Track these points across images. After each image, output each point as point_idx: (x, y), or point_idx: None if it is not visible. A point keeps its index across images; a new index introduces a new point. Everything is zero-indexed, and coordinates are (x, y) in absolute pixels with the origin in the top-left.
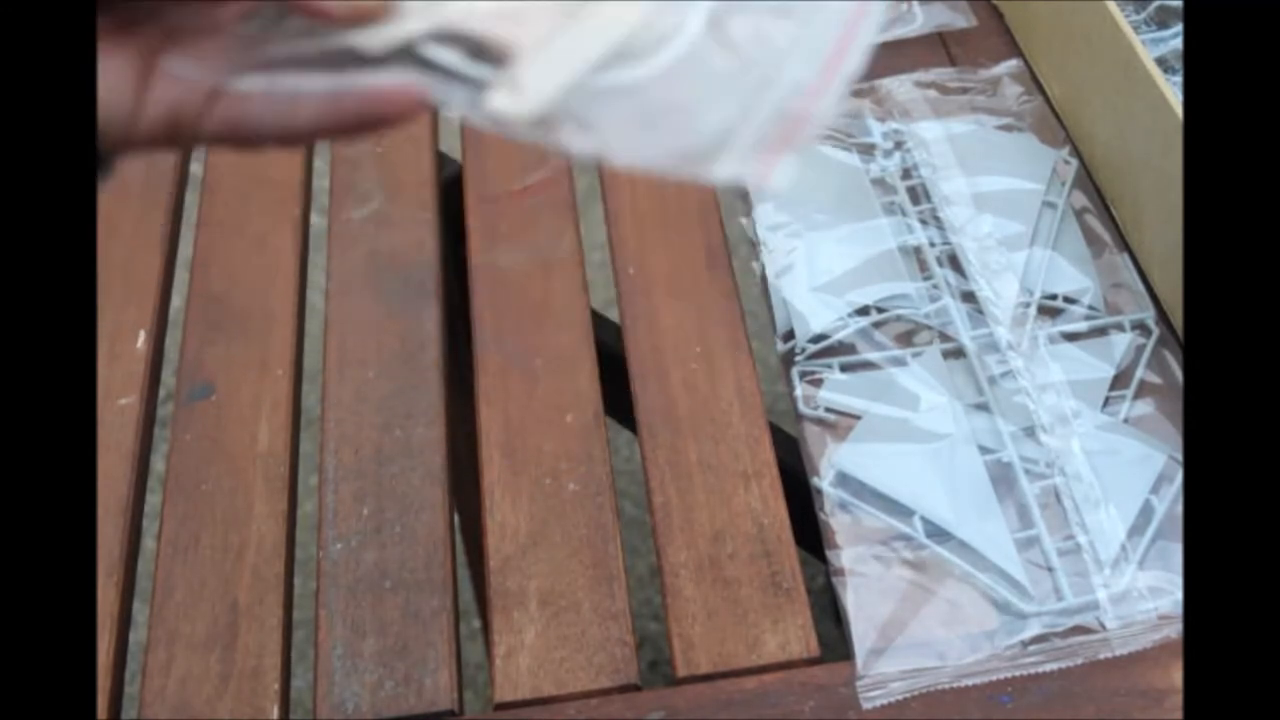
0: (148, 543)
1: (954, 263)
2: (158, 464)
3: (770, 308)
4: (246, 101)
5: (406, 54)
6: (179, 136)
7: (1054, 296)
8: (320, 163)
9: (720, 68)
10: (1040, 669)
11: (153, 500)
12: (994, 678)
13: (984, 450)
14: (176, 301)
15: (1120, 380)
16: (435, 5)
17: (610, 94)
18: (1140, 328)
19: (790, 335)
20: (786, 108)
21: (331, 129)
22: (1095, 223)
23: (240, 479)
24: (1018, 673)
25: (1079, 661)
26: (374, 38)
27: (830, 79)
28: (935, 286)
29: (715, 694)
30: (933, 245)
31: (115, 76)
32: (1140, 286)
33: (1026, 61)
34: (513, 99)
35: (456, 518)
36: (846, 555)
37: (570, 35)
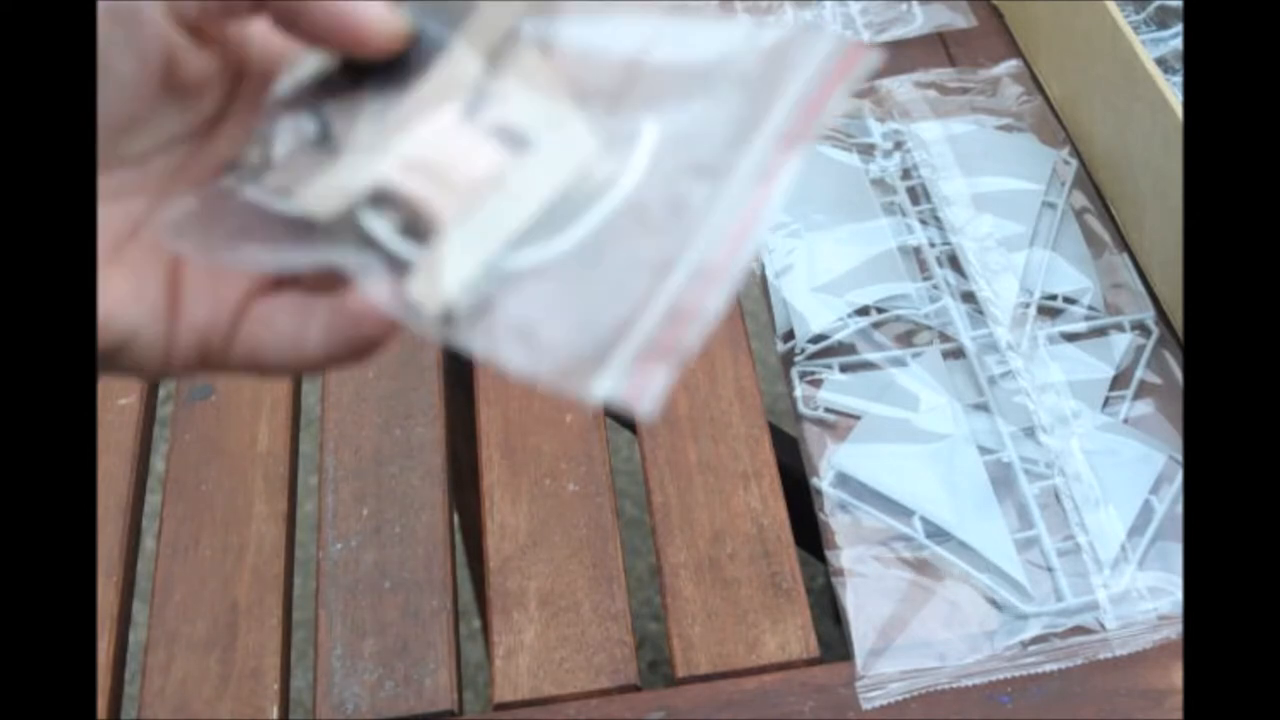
0: (148, 543)
1: (954, 263)
2: (158, 464)
3: (770, 308)
4: (263, 329)
5: (348, 224)
6: (208, 364)
7: (1054, 297)
8: None
9: (627, 244)
10: (1040, 669)
11: (153, 500)
12: (994, 678)
13: (984, 450)
14: None
15: (1120, 380)
16: (383, 154)
17: (515, 280)
18: (1140, 328)
19: (790, 335)
20: (679, 304)
21: (337, 354)
22: (1095, 223)
23: (240, 479)
24: (1017, 673)
25: (1079, 662)
26: (323, 201)
27: (732, 255)
28: (935, 287)
29: (715, 694)
30: (933, 245)
31: (147, 304)
32: (1140, 286)
33: (1026, 61)
34: (428, 289)
35: (456, 518)
36: (846, 555)
37: (498, 204)
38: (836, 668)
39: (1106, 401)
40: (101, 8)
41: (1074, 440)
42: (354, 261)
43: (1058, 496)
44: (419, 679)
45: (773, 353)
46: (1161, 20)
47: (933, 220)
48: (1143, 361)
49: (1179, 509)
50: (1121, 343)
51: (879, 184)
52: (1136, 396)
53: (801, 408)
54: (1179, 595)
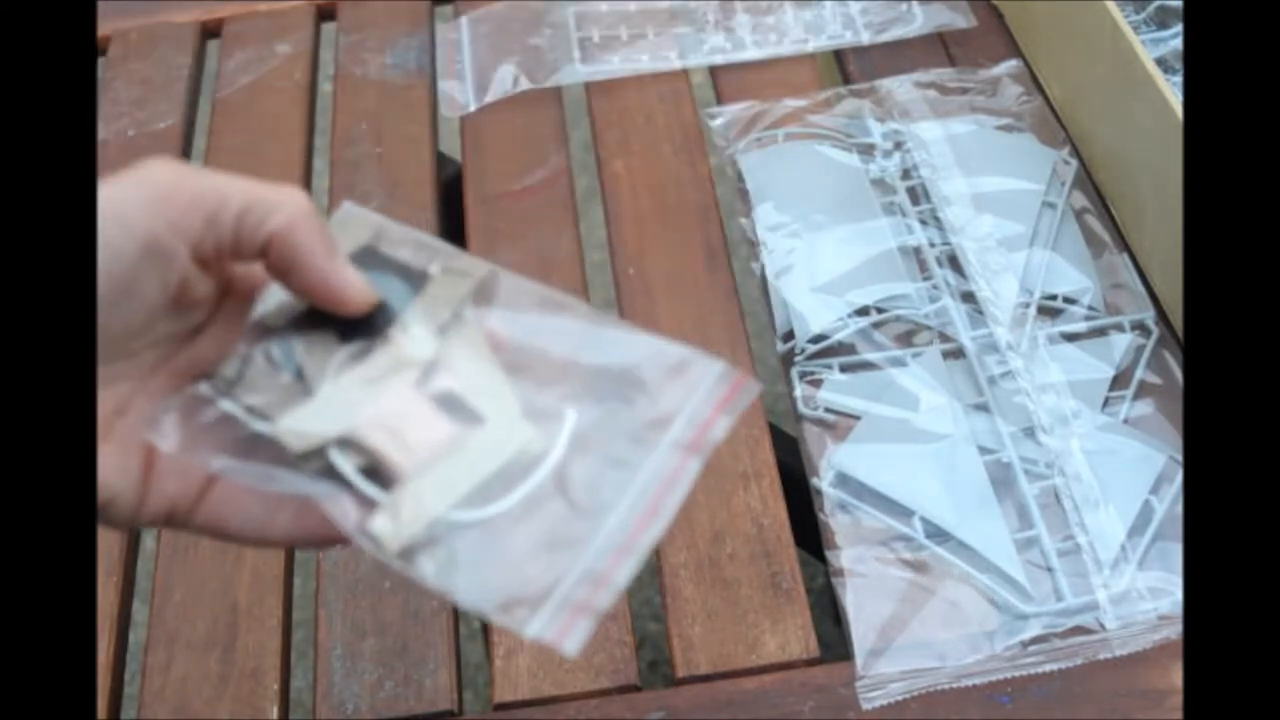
0: (148, 543)
1: (954, 263)
2: None
3: (770, 308)
4: (229, 506)
5: (319, 455)
6: (173, 524)
7: (1054, 297)
8: (320, 163)
9: (554, 516)
10: (1040, 669)
11: None
12: (994, 678)
13: (984, 451)
14: None
15: (1120, 380)
16: (351, 406)
17: (460, 531)
18: (1140, 328)
19: (790, 335)
20: (595, 569)
21: (298, 540)
22: (1095, 223)
23: None
24: (1017, 673)
25: (1079, 662)
26: (298, 439)
27: (636, 540)
28: (935, 287)
29: (715, 694)
30: (932, 245)
31: (123, 475)
32: (1140, 286)
33: (1026, 61)
34: (389, 527)
35: None
36: (846, 556)
37: (449, 467)
38: (836, 668)
39: (1106, 401)
40: (138, 241)
41: (1074, 440)
42: (321, 490)
43: (1058, 496)
44: (419, 679)
45: (773, 353)
46: (1161, 20)
47: (933, 220)
48: (1143, 361)
49: (1179, 509)
50: (1121, 343)
51: (879, 184)
52: (1136, 396)
53: (801, 408)
54: (1179, 595)
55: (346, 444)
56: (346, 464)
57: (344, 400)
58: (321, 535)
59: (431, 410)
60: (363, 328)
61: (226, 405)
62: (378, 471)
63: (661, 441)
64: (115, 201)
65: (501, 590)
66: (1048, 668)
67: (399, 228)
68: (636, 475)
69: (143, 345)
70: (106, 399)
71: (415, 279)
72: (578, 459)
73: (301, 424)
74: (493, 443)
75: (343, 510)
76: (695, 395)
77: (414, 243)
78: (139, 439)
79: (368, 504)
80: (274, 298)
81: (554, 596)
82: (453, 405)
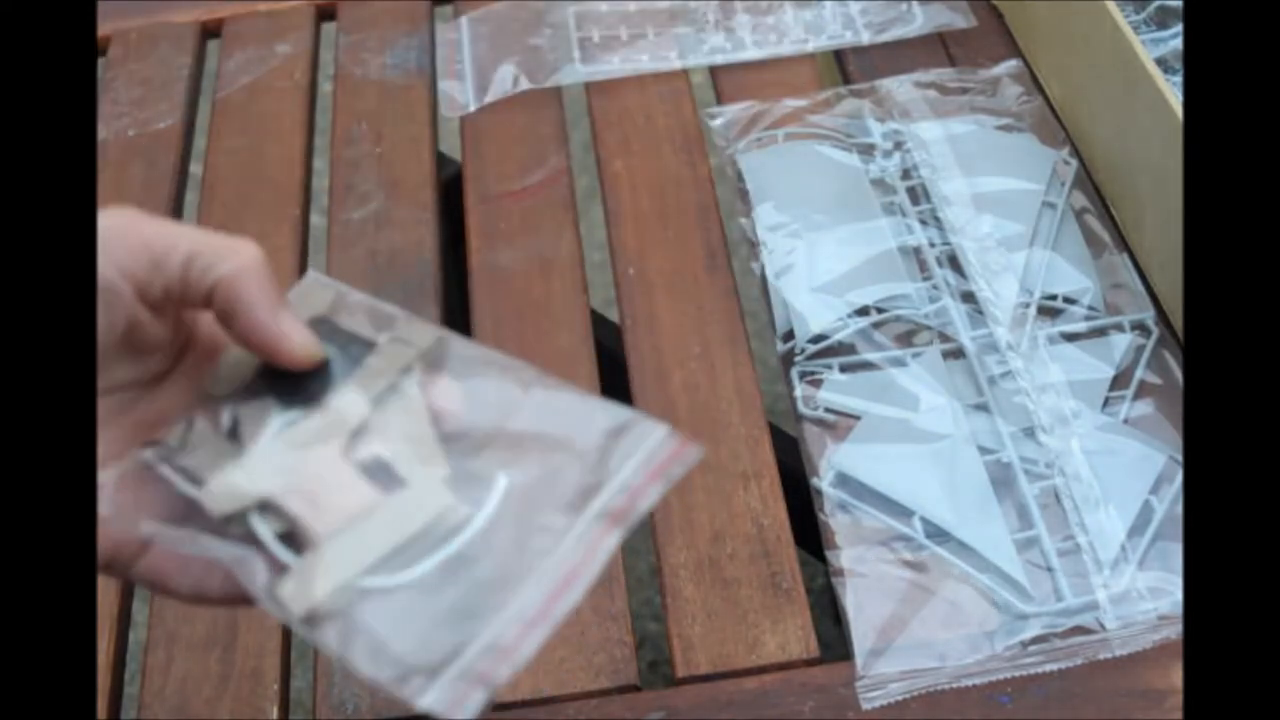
0: None
1: (954, 263)
2: None
3: (770, 308)
4: (169, 563)
5: (240, 520)
6: (112, 573)
7: (1054, 297)
8: (320, 163)
9: (464, 584)
10: (1040, 669)
11: None
12: (994, 678)
13: (984, 451)
14: None
15: (1120, 380)
16: (275, 472)
17: (368, 598)
18: (1140, 328)
19: (790, 335)
20: (500, 641)
21: (235, 602)
22: (1095, 223)
23: None
24: (1017, 673)
25: (1079, 662)
26: (219, 502)
27: (549, 609)
28: (935, 287)
29: (715, 694)
30: (932, 245)
31: None
32: (1140, 287)
33: (1026, 62)
34: (296, 592)
35: None
36: (846, 556)
37: (362, 533)
38: (836, 668)
39: (1106, 401)
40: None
41: (1074, 440)
42: (234, 555)
43: (1058, 496)
44: None
45: (773, 353)
46: (1161, 20)
47: (933, 220)
48: (1143, 361)
49: (1179, 509)
50: (1121, 343)
51: (879, 184)
52: (1136, 396)
53: (801, 408)
54: (1179, 595)
55: (266, 508)
56: (263, 528)
57: (270, 465)
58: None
59: (353, 476)
60: (302, 395)
61: (165, 471)
62: (295, 537)
63: (587, 511)
64: None
65: (400, 659)
66: (1048, 668)
67: (359, 296)
68: (557, 546)
69: (98, 388)
70: None
71: (361, 349)
72: (505, 527)
73: (224, 488)
74: (409, 509)
75: (250, 575)
76: (631, 461)
77: (371, 312)
78: None
79: (282, 568)
80: (225, 366)
81: (453, 667)
82: (377, 471)
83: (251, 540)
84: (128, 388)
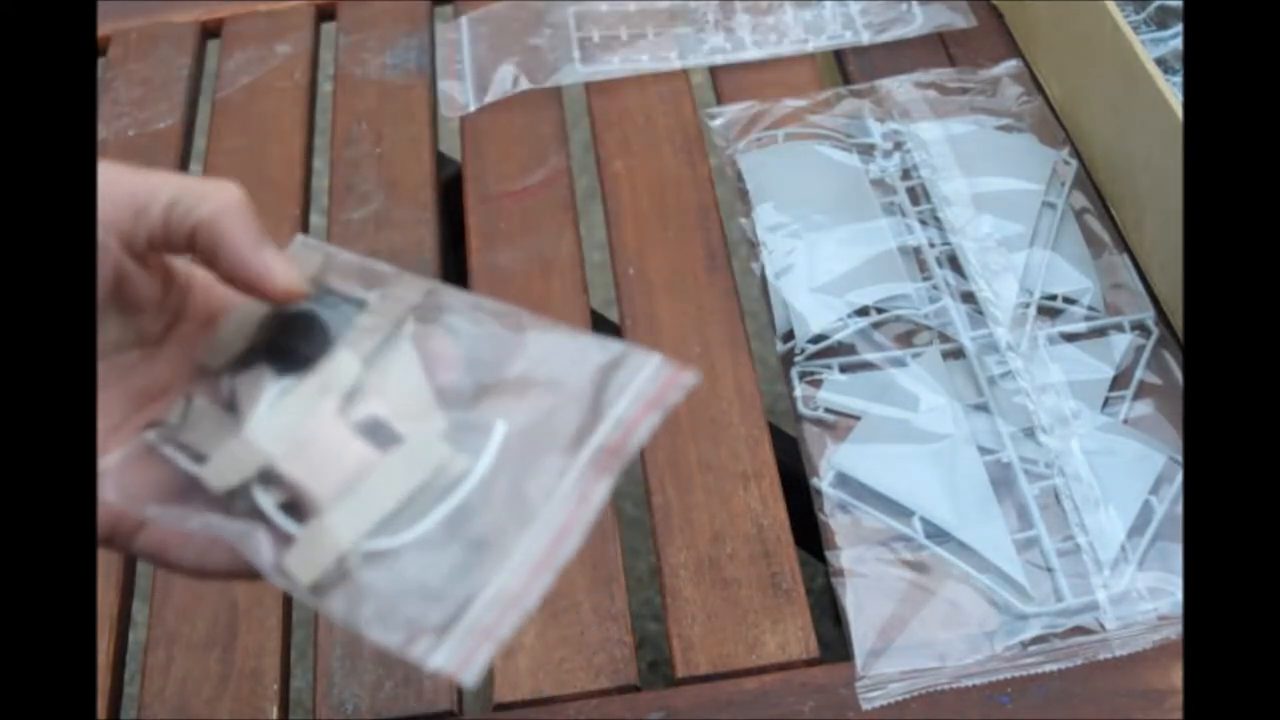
0: None
1: (954, 263)
2: None
3: (770, 308)
4: (170, 535)
5: (243, 493)
6: (113, 546)
7: (1054, 297)
8: (320, 163)
9: (468, 539)
10: (1040, 670)
11: None
12: (994, 678)
13: (984, 451)
14: None
15: (1120, 381)
16: (274, 440)
17: (372, 562)
18: (1140, 328)
19: (790, 336)
20: (505, 590)
21: (239, 575)
22: (1095, 223)
23: None
24: (1017, 673)
25: (1079, 662)
26: (220, 477)
27: (551, 557)
28: (935, 287)
29: (715, 694)
30: (932, 246)
31: None
32: (1140, 287)
33: (1026, 62)
34: (301, 563)
35: None
36: (846, 556)
37: (363, 495)
38: (836, 668)
39: (1106, 402)
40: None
41: (1074, 440)
42: (238, 530)
43: (1058, 497)
44: (419, 679)
45: (773, 353)
46: (1161, 20)
47: (933, 220)
48: (1143, 362)
49: (1179, 509)
50: (1121, 343)
51: (879, 184)
52: (1136, 397)
53: (801, 408)
54: (1179, 595)
55: (269, 479)
56: (266, 499)
57: (268, 434)
58: (255, 571)
59: (350, 437)
60: (297, 360)
61: (168, 451)
62: (298, 505)
63: (584, 449)
64: None
65: (408, 621)
66: (1048, 668)
67: (349, 256)
68: (557, 489)
69: (113, 328)
70: None
71: (353, 308)
72: (504, 474)
73: (225, 462)
74: (409, 466)
75: (255, 548)
76: (626, 394)
77: (361, 271)
78: None
79: (287, 539)
80: (220, 337)
81: (460, 623)
82: (375, 430)
83: (255, 513)
84: (122, 349)
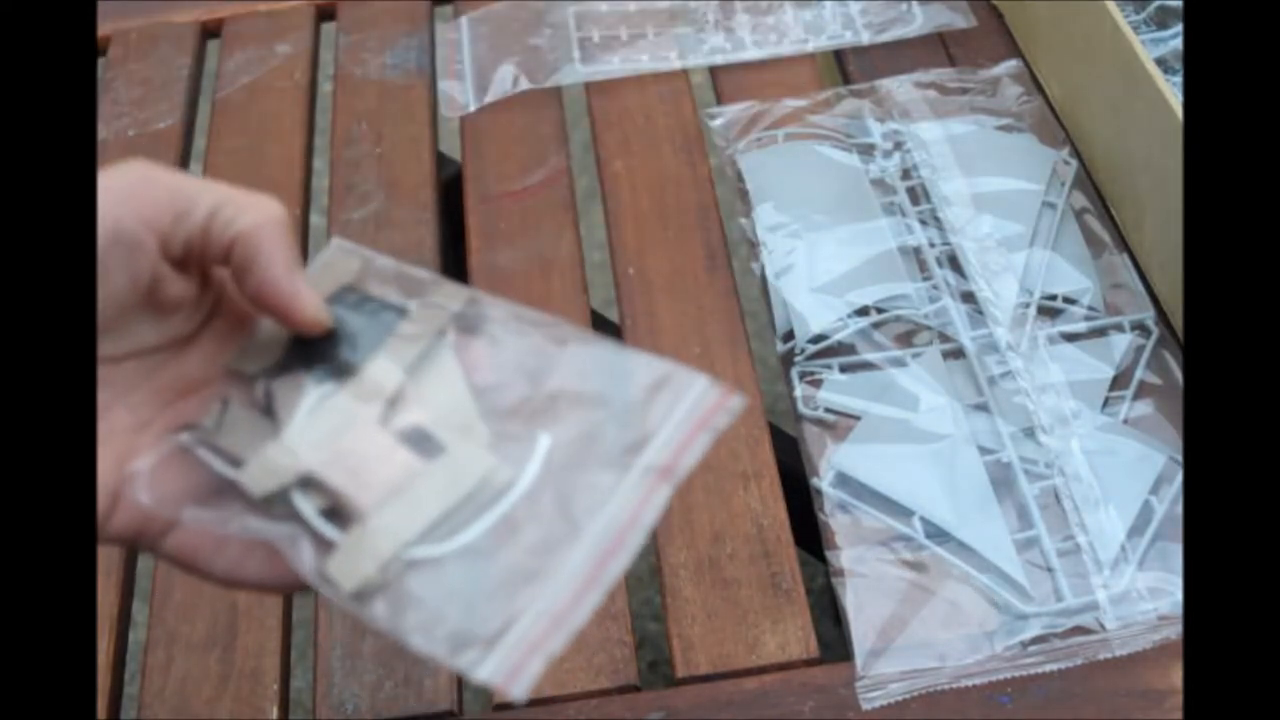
0: None
1: (954, 263)
2: None
3: (770, 308)
4: (201, 539)
5: (284, 499)
6: (140, 548)
7: (1054, 297)
8: (320, 163)
9: (514, 549)
10: (1040, 670)
11: None
12: (994, 678)
13: (984, 451)
14: None
15: (1120, 381)
16: (314, 447)
17: (416, 570)
18: (1140, 328)
19: (790, 336)
20: (554, 607)
21: (268, 585)
22: (1095, 223)
23: None
24: (1017, 673)
25: (1079, 662)
26: (260, 482)
27: (601, 572)
28: (935, 287)
29: (715, 694)
30: (932, 246)
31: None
32: (1140, 287)
33: (1026, 62)
34: (344, 568)
35: None
36: (846, 556)
37: (407, 503)
38: (836, 668)
39: (1106, 402)
40: (105, 228)
41: (1074, 440)
42: (282, 534)
43: (1058, 497)
44: (419, 679)
45: (773, 353)
46: (1161, 20)
47: (933, 220)
48: (1143, 362)
49: (1179, 509)
50: (1121, 343)
51: (879, 184)
52: (1136, 397)
53: (801, 408)
54: (1179, 595)
55: (309, 484)
56: (307, 505)
57: (308, 440)
58: (290, 581)
59: (393, 446)
60: (336, 367)
61: (203, 454)
62: (339, 511)
63: (634, 468)
64: None
65: (454, 631)
66: (1048, 668)
67: (387, 261)
68: (605, 505)
69: (123, 351)
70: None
71: (393, 316)
72: (549, 487)
73: (263, 467)
74: (453, 475)
75: (298, 554)
76: (674, 414)
77: (399, 277)
78: (114, 448)
79: (328, 546)
80: (256, 343)
81: (509, 636)
82: (417, 439)
83: (295, 519)
84: (154, 350)
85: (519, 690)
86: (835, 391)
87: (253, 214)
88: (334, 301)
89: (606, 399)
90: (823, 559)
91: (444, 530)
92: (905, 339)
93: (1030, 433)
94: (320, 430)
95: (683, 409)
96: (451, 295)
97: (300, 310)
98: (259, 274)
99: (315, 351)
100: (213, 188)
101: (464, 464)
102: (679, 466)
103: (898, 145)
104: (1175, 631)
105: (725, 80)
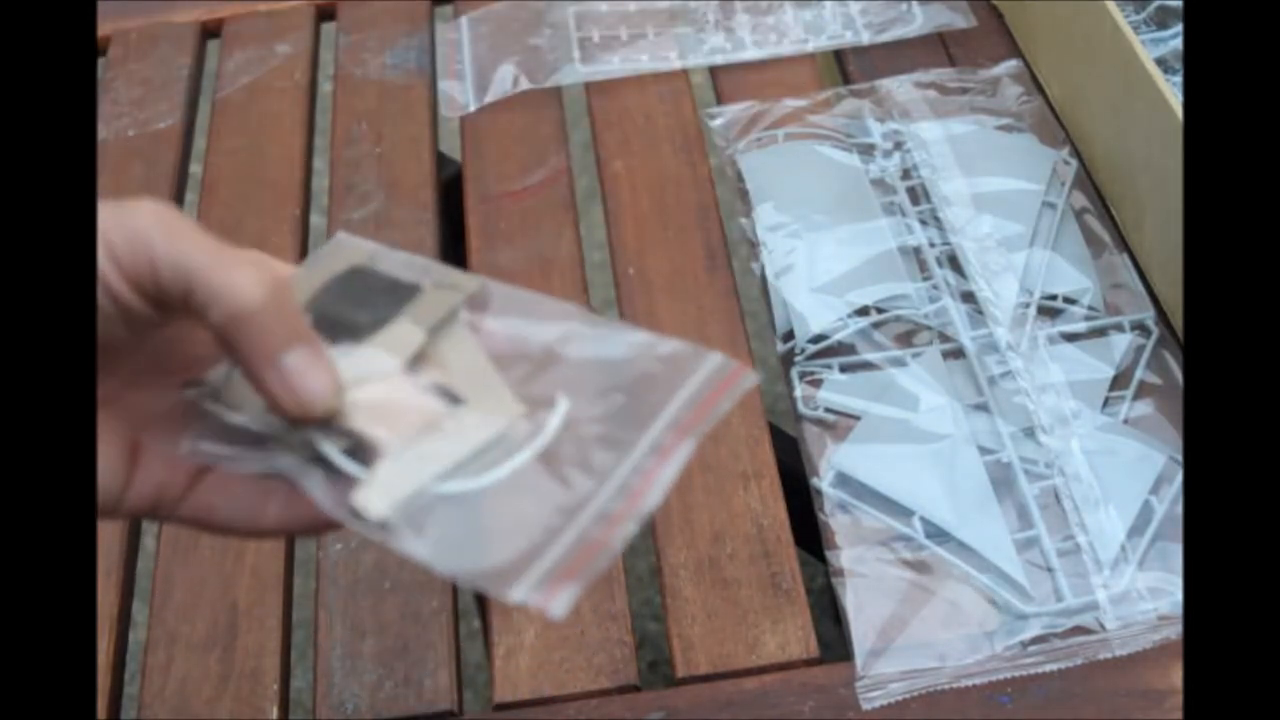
0: (148, 543)
1: (954, 263)
2: None
3: (770, 308)
4: (219, 495)
5: (301, 442)
6: (158, 514)
7: (1054, 297)
8: (320, 163)
9: (543, 490)
10: (1040, 670)
11: None
12: (994, 678)
13: (984, 451)
14: None
15: (1120, 381)
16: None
17: (445, 503)
18: (1140, 328)
19: (790, 336)
20: (588, 536)
21: (289, 527)
22: (1095, 223)
23: None
24: (1017, 673)
25: (1079, 662)
26: (272, 424)
27: (632, 508)
28: (935, 287)
29: (715, 694)
30: (932, 246)
31: (106, 462)
32: (1140, 287)
33: (1026, 61)
34: (372, 498)
35: None
36: (846, 556)
37: (434, 442)
38: (836, 668)
39: (1106, 402)
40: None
41: (1074, 440)
42: (300, 470)
43: (1058, 496)
44: (419, 679)
45: (773, 353)
46: (1161, 20)
47: (933, 220)
48: (1143, 362)
49: (1179, 509)
50: (1121, 343)
51: (879, 184)
52: (1136, 396)
53: (801, 408)
54: (1179, 595)
55: (329, 429)
56: (328, 445)
57: None
58: (312, 520)
59: (417, 393)
60: (353, 329)
61: (210, 406)
62: (361, 451)
63: (656, 423)
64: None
65: (484, 558)
66: (1048, 668)
67: (394, 252)
68: (630, 452)
69: (122, 333)
70: (104, 380)
71: (406, 292)
72: (569, 442)
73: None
74: (479, 419)
75: (319, 489)
76: (690, 385)
77: (408, 264)
78: (124, 428)
79: (350, 483)
80: None
81: (543, 560)
82: (439, 392)
83: (315, 459)
84: (158, 335)
85: (558, 609)
86: (835, 391)
87: (223, 304)
88: (345, 277)
89: (623, 370)
90: (823, 559)
91: (472, 469)
92: (905, 339)
93: (1030, 433)
94: (342, 379)
95: (700, 377)
96: (463, 278)
97: (294, 401)
98: (242, 366)
99: (331, 317)
100: (190, 257)
101: (490, 409)
102: (699, 425)
103: (898, 145)
104: (1175, 631)
105: (725, 80)
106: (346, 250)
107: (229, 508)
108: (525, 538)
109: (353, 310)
